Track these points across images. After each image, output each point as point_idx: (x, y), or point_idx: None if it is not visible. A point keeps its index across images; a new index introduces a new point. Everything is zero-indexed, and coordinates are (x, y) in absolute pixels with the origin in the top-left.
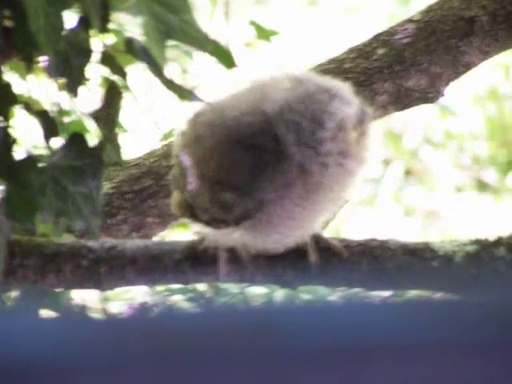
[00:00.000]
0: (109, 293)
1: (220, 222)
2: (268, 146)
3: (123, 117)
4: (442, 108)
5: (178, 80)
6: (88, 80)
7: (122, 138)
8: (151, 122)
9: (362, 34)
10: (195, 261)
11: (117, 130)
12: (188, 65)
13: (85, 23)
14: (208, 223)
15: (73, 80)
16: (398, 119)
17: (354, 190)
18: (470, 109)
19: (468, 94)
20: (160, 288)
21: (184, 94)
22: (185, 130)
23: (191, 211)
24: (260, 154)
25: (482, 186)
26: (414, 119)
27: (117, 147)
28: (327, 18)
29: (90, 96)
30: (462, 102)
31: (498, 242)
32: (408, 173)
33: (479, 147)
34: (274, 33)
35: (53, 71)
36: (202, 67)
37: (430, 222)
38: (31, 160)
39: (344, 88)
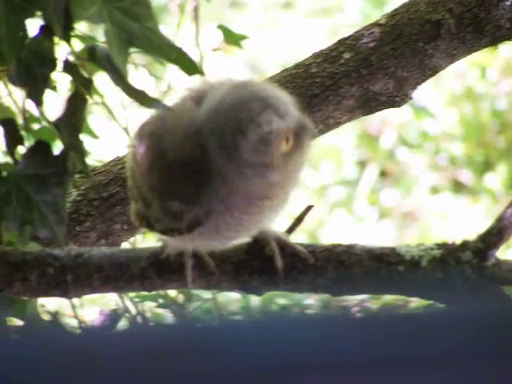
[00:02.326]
0: (84, 298)
1: (173, 231)
2: (200, 156)
3: (95, 123)
4: (417, 109)
5: (148, 86)
6: (55, 87)
7: (92, 144)
8: (119, 127)
9: (336, 36)
10: (161, 268)
11: (81, 137)
12: (161, 70)
13: (48, 31)
14: (163, 232)
15: (37, 88)
16: (373, 120)
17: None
18: (445, 109)
19: (444, 94)
20: (131, 294)
21: (147, 101)
22: (133, 142)
23: (147, 221)
24: (196, 165)
25: (458, 186)
26: (390, 120)
27: (81, 155)
28: (302, 20)
29: (61, 103)
30: (438, 103)
31: (464, 245)
32: (384, 174)
33: (455, 148)
34: (243, 37)
35: (16, 80)
36: (174, 73)
37: (406, 223)
38: None
39: (283, 99)
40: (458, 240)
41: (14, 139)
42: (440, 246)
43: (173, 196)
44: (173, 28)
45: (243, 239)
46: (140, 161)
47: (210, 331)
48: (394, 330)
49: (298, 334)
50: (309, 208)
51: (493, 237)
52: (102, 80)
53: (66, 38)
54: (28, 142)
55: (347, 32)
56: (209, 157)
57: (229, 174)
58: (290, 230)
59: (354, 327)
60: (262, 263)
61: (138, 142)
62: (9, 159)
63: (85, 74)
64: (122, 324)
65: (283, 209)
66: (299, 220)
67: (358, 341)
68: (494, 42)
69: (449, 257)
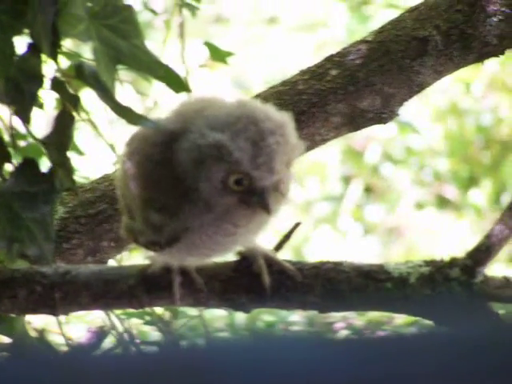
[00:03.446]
0: (70, 315)
1: (154, 244)
2: (179, 172)
3: (80, 140)
4: (402, 124)
5: (133, 103)
6: (42, 105)
7: (79, 161)
8: (106, 144)
9: (321, 51)
10: (149, 285)
11: (68, 155)
12: (146, 87)
13: (35, 49)
14: (145, 245)
15: (24, 106)
16: (358, 136)
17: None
18: (430, 124)
19: (428, 109)
20: (118, 311)
21: (133, 117)
22: (123, 151)
23: (134, 234)
24: (177, 180)
25: (443, 202)
26: (375, 136)
27: (69, 172)
28: (287, 35)
29: (47, 120)
30: (423, 118)
31: (452, 262)
32: (368, 190)
33: (440, 163)
34: (229, 54)
35: (3, 97)
36: (160, 89)
37: (391, 238)
38: None
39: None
40: (446, 257)
41: (1, 156)
42: (428, 262)
43: (153, 205)
44: (158, 44)
45: (226, 256)
46: (126, 170)
47: (198, 351)
48: (381, 350)
49: (286, 354)
50: (296, 225)
51: (481, 254)
52: (87, 97)
53: (54, 56)
54: (15, 160)
55: (332, 47)
56: (186, 174)
57: (203, 195)
58: (278, 247)
59: (341, 348)
60: (250, 280)
61: (125, 152)
62: None
63: (71, 91)
64: (109, 341)
65: (263, 230)
66: (287, 237)
67: (345, 362)
68: (481, 58)
69: (437, 274)
